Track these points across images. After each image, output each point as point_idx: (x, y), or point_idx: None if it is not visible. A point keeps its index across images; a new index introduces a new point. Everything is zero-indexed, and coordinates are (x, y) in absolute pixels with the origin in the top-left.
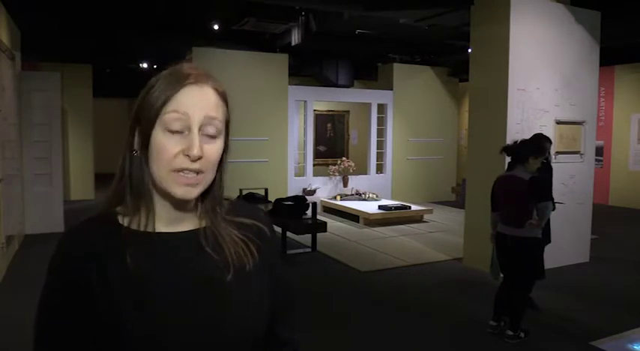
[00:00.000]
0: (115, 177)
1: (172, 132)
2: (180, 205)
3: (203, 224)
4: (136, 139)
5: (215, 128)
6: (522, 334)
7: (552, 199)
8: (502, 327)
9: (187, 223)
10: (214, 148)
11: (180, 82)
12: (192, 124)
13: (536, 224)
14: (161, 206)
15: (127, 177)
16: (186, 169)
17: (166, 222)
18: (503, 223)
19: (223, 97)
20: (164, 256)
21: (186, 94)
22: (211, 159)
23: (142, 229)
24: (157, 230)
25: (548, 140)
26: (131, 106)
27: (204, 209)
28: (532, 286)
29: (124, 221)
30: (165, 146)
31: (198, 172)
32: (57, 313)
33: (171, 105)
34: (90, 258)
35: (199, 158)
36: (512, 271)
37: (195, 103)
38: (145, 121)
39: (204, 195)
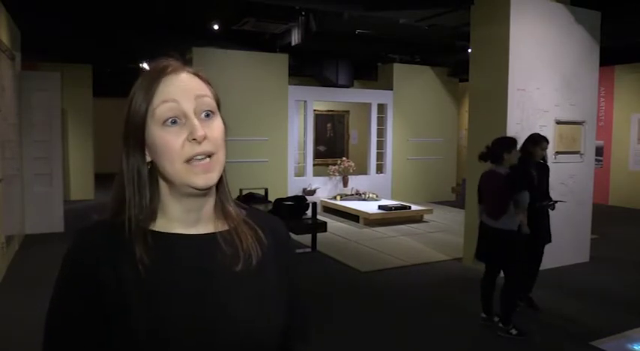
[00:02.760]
0: (115, 185)
1: (169, 124)
2: (196, 206)
3: (221, 227)
4: (132, 147)
5: (208, 105)
6: (514, 331)
7: (527, 187)
8: (495, 322)
9: (206, 226)
10: (215, 126)
11: (158, 76)
12: (186, 109)
13: (519, 215)
14: (177, 207)
15: (135, 180)
16: (198, 154)
17: (183, 224)
18: (486, 214)
19: (205, 79)
20: (179, 258)
21: (168, 84)
22: (217, 137)
23: (159, 230)
24: (174, 231)
25: (545, 139)
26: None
27: (220, 210)
28: (519, 281)
29: (137, 224)
30: (168, 140)
31: (209, 155)
32: (68, 316)
33: (158, 98)
34: (103, 260)
35: (205, 138)
36: (493, 261)
37: (180, 89)
38: (136, 126)
39: (217, 194)
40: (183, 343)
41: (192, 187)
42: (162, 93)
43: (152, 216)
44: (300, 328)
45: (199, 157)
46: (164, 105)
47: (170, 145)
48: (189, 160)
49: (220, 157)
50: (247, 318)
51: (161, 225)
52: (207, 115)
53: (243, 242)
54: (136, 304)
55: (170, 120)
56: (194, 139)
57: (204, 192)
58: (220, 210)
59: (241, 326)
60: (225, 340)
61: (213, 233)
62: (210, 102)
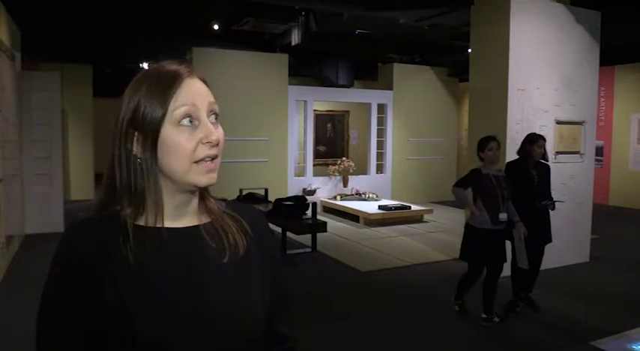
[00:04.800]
0: (106, 179)
1: (185, 124)
2: (186, 201)
3: (204, 220)
4: (138, 144)
5: (216, 113)
6: (496, 319)
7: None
8: (495, 322)
9: (189, 219)
10: (221, 131)
11: (177, 78)
12: (201, 113)
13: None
14: (168, 203)
15: (129, 178)
16: (208, 156)
17: (170, 218)
18: None
19: (208, 85)
20: (169, 251)
21: (187, 88)
22: (222, 141)
23: (149, 225)
24: (162, 226)
25: (542, 138)
26: (117, 117)
27: (203, 204)
28: (472, 271)
29: (128, 219)
30: (181, 141)
31: (213, 157)
32: (62, 309)
33: (178, 101)
34: (96, 254)
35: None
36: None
37: (197, 94)
38: (150, 125)
39: (201, 191)
40: (180, 337)
41: (195, 185)
42: (182, 96)
43: (142, 211)
44: (283, 313)
45: (207, 159)
46: (182, 108)
47: (183, 145)
48: (197, 161)
49: (220, 159)
50: (239, 307)
51: (150, 219)
52: (215, 120)
53: (229, 234)
54: (131, 301)
55: (186, 121)
56: (208, 142)
57: (198, 188)
58: (203, 205)
59: (233, 315)
60: (219, 330)
61: (197, 226)
62: (217, 109)
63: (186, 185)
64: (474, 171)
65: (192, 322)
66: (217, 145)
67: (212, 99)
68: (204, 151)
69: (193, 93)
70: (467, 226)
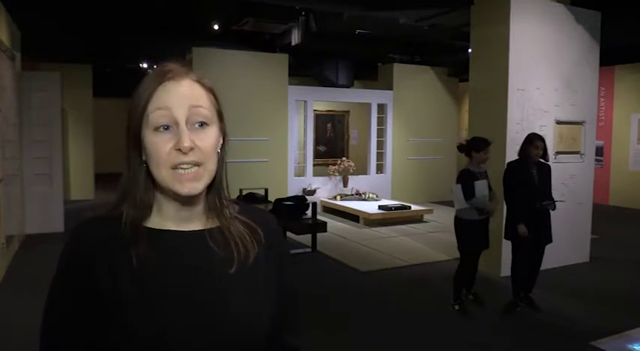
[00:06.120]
0: (122, 179)
1: (162, 130)
2: (188, 204)
3: (211, 224)
4: (131, 143)
5: (202, 116)
6: (457, 307)
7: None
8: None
9: (196, 223)
10: (207, 137)
11: (158, 80)
12: (178, 117)
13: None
14: (170, 206)
15: (132, 178)
16: (183, 163)
17: (176, 221)
18: None
19: (208, 87)
20: (172, 254)
21: (165, 90)
22: (206, 148)
23: (154, 227)
24: (166, 228)
25: (539, 138)
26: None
27: (212, 208)
28: (463, 264)
29: (132, 220)
30: (157, 145)
31: (196, 164)
32: (64, 310)
33: (154, 103)
34: (97, 255)
35: (191, 149)
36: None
37: (176, 97)
38: (133, 124)
39: (210, 193)
40: (180, 339)
41: (176, 193)
42: (158, 99)
43: (147, 213)
44: (291, 321)
45: (185, 166)
46: (157, 112)
47: (158, 150)
48: (174, 168)
49: (209, 167)
50: (241, 313)
51: (155, 222)
52: (201, 125)
53: (237, 238)
54: (132, 301)
55: (162, 126)
56: (179, 150)
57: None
58: (214, 208)
59: (236, 320)
60: (220, 334)
61: (202, 230)
62: (204, 112)
63: (171, 192)
64: (467, 172)
65: (192, 325)
66: (192, 151)
67: (198, 103)
68: (177, 158)
69: (170, 96)
70: (458, 220)
